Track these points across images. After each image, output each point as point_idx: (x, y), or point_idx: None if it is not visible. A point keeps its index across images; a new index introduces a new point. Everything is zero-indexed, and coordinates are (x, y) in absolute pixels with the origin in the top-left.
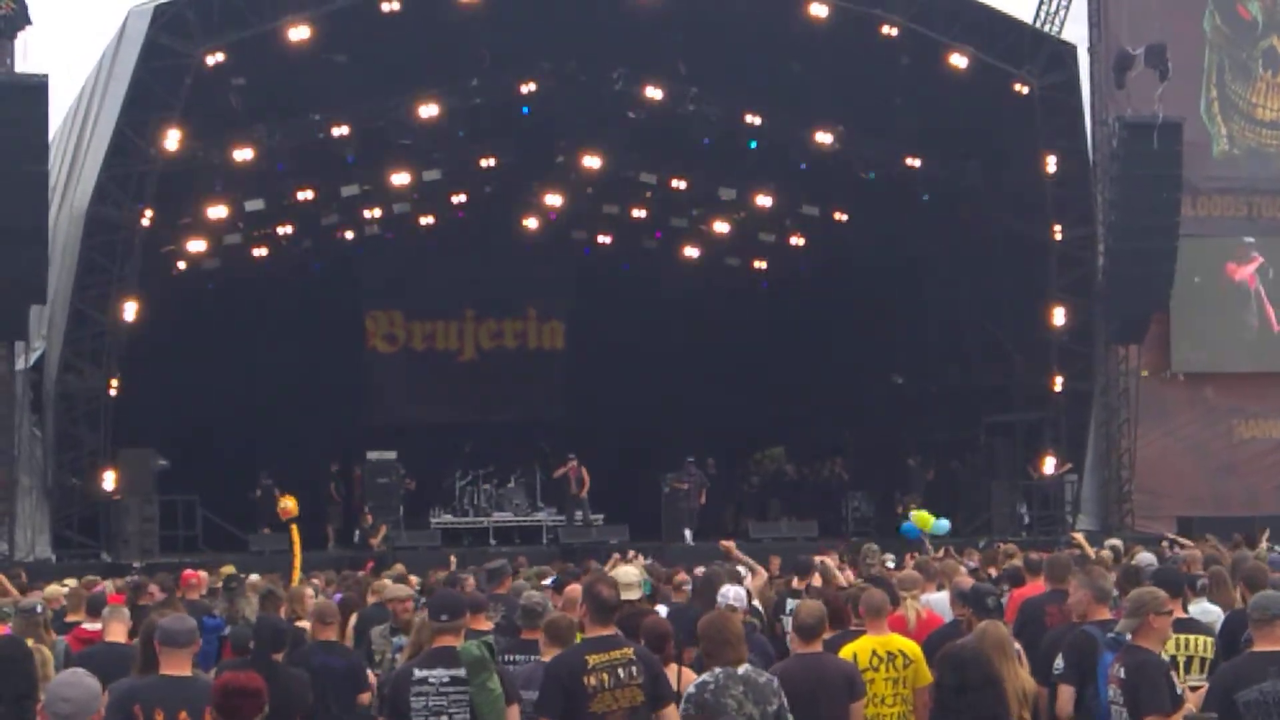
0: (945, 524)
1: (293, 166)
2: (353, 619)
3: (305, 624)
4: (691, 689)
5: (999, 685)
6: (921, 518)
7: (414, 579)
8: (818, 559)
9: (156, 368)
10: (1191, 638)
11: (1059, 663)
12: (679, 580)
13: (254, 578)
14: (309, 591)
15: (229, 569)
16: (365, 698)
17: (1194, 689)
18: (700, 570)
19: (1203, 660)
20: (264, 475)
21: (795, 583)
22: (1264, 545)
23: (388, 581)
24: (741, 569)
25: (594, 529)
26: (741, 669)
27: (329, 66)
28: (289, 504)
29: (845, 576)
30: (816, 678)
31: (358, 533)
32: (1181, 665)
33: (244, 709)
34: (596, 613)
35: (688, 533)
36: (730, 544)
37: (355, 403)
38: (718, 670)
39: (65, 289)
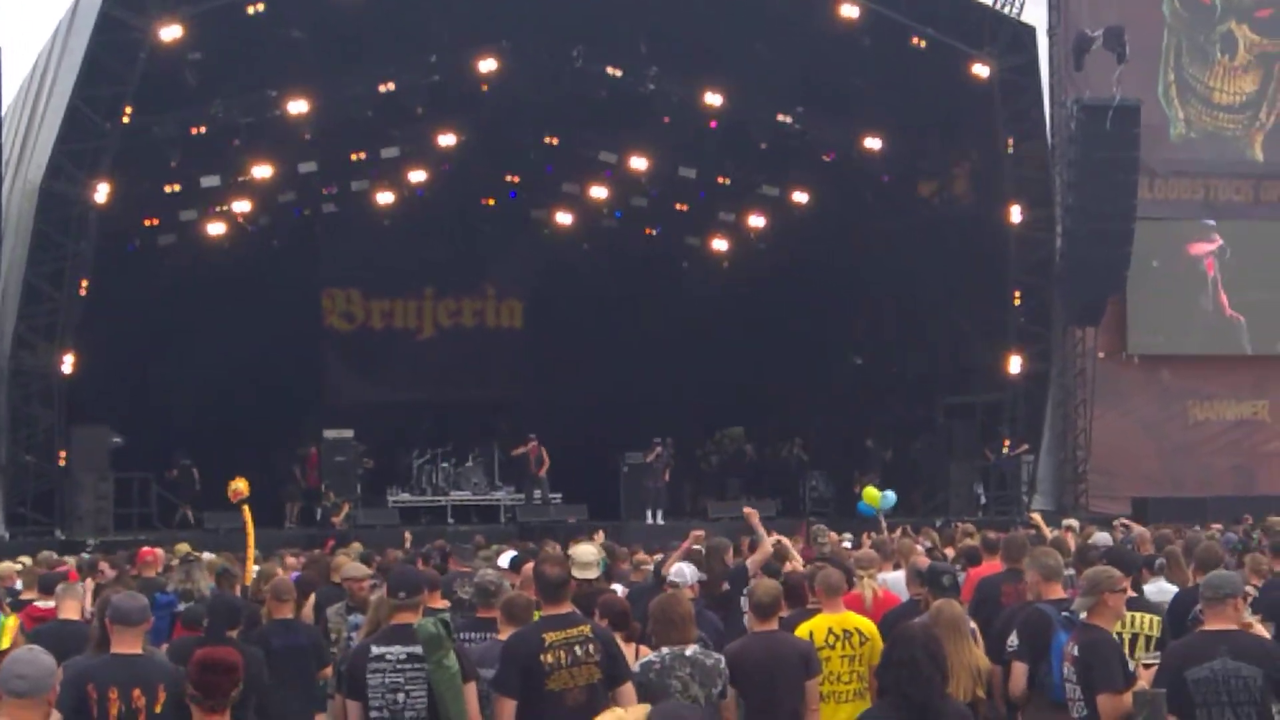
0: (892, 496)
1: (249, 143)
2: (312, 597)
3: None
4: (637, 668)
5: (931, 662)
6: (870, 494)
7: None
8: (771, 539)
9: (111, 344)
10: (1139, 616)
11: (1013, 641)
12: (638, 560)
13: (208, 555)
14: (279, 571)
15: (184, 546)
16: (326, 672)
17: (1148, 666)
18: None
19: (1149, 639)
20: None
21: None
22: (1216, 529)
23: (346, 559)
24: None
25: (552, 508)
26: (689, 650)
27: (286, 42)
28: (240, 485)
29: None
30: (772, 656)
31: (319, 511)
32: (1127, 643)
33: (221, 684)
34: (545, 591)
35: (653, 513)
36: (753, 512)
37: (312, 381)
38: (665, 651)
39: (19, 265)
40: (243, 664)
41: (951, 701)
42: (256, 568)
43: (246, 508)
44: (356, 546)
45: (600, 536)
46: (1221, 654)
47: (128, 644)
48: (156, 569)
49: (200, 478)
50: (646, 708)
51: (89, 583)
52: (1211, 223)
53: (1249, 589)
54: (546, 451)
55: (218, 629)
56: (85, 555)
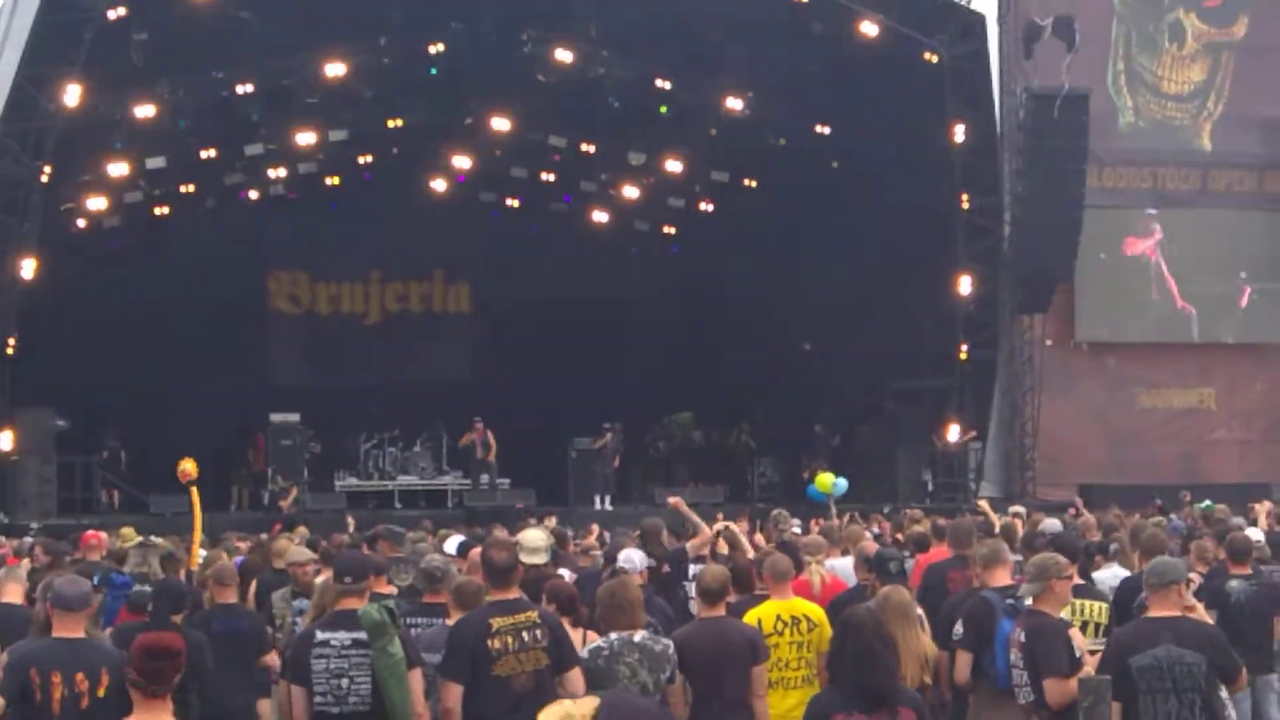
0: (844, 483)
1: (196, 124)
2: (254, 583)
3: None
4: (585, 654)
5: (884, 650)
6: (822, 480)
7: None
8: (720, 525)
9: (55, 327)
10: (1087, 603)
11: (958, 628)
12: (587, 544)
13: (156, 539)
14: (224, 555)
15: (129, 530)
16: (268, 659)
17: (1094, 653)
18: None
19: (1097, 625)
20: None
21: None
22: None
23: (290, 544)
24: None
25: (500, 493)
26: (638, 636)
27: (234, 23)
28: (188, 466)
29: (755, 540)
30: (719, 642)
31: (266, 495)
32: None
33: (165, 670)
34: (492, 576)
35: (601, 499)
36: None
37: (258, 364)
38: (613, 636)
39: None
40: (186, 649)
41: (904, 687)
42: (203, 551)
43: (195, 489)
44: (302, 531)
45: (551, 521)
46: (1165, 641)
47: (70, 628)
48: (100, 552)
49: (128, 460)
50: (595, 700)
51: (27, 563)
52: (1153, 212)
53: (1193, 576)
54: (493, 435)
55: (162, 613)
56: (28, 539)
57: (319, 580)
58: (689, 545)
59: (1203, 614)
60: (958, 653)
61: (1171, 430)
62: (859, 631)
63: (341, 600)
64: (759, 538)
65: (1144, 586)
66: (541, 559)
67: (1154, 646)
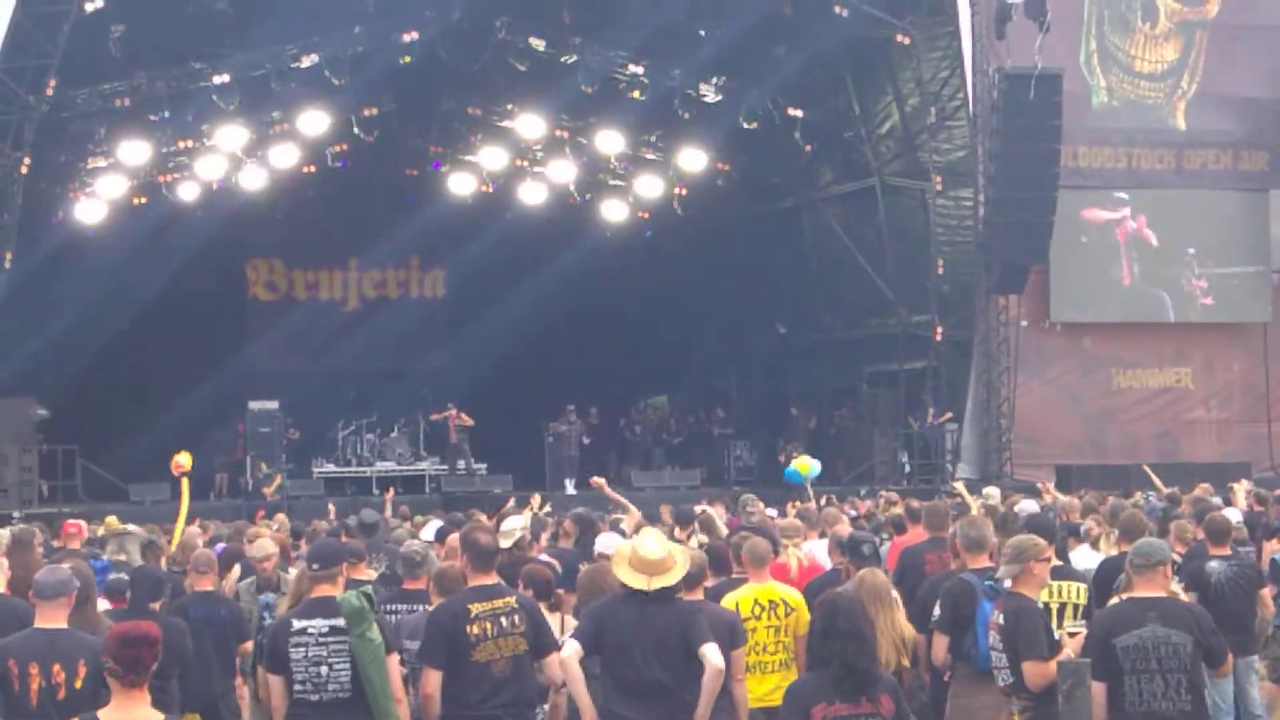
0: (817, 466)
1: (173, 114)
2: (236, 570)
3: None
4: (564, 637)
5: (870, 633)
6: (801, 463)
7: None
8: (699, 509)
9: (36, 316)
10: (1065, 584)
11: (936, 611)
12: (566, 528)
13: (133, 527)
14: (199, 542)
15: (112, 519)
16: (247, 646)
17: (1073, 635)
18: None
19: (1076, 607)
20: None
21: (677, 533)
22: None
23: (264, 533)
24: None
25: (477, 478)
26: None
27: (210, 14)
28: (183, 459)
29: (732, 524)
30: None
31: (250, 482)
32: (1055, 612)
33: (143, 658)
34: (475, 560)
35: (568, 482)
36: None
37: (237, 351)
38: None
39: None
40: (162, 636)
41: (883, 672)
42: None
43: (186, 482)
44: (281, 518)
45: (538, 502)
46: (1150, 621)
47: (50, 618)
48: (80, 540)
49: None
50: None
51: None
52: (1123, 196)
53: (1173, 556)
54: (467, 415)
55: (140, 601)
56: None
57: (293, 570)
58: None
59: (1183, 595)
60: (935, 635)
61: (1148, 410)
62: (848, 615)
63: (316, 588)
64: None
65: (1128, 567)
66: (508, 542)
67: (1139, 627)
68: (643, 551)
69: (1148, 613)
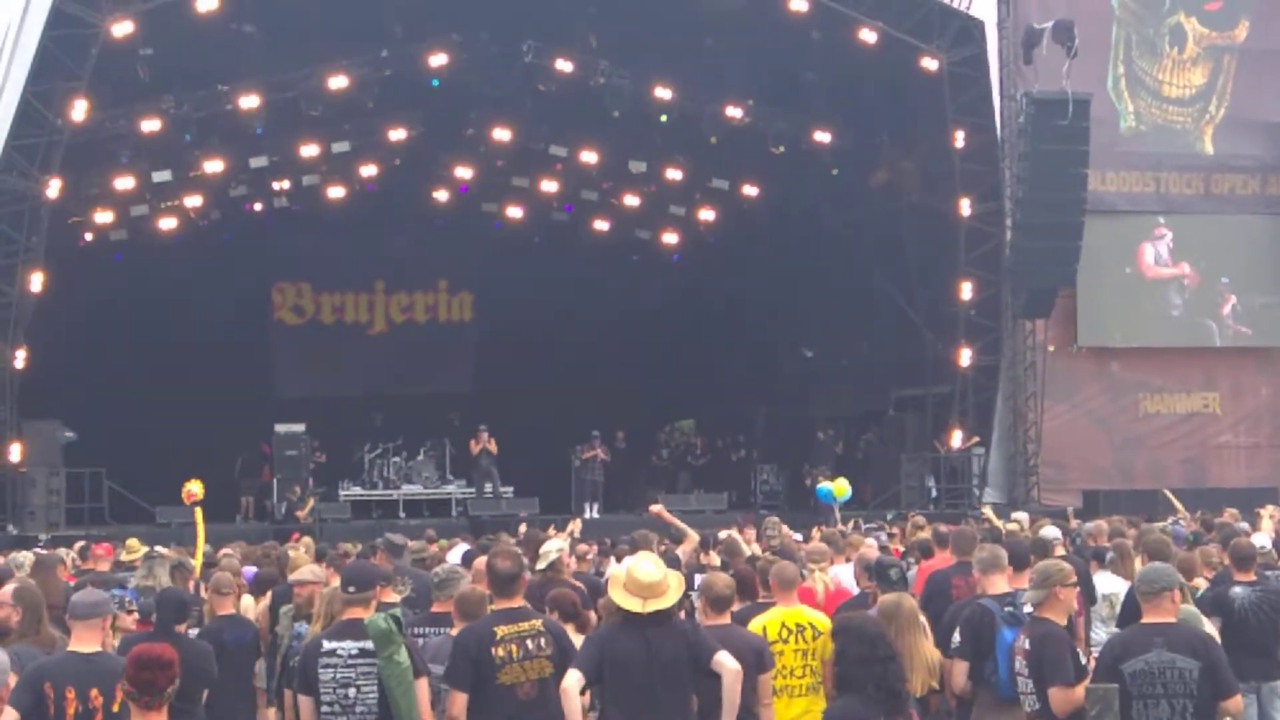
0: (850, 490)
1: (201, 137)
2: (268, 596)
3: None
4: None
5: (894, 657)
6: (839, 484)
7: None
8: (723, 533)
9: (63, 339)
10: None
11: (956, 637)
12: (581, 550)
13: (162, 549)
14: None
15: (135, 542)
16: (256, 666)
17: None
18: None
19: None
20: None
21: (702, 556)
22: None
23: (303, 559)
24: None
25: (504, 501)
26: None
27: (237, 37)
28: (194, 488)
29: (755, 549)
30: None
31: (284, 505)
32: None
33: (157, 681)
34: (496, 585)
35: (591, 506)
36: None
37: (263, 375)
38: None
39: None
40: (185, 659)
41: (909, 694)
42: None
43: (199, 510)
44: (307, 541)
45: (576, 527)
46: (1157, 646)
47: (85, 641)
48: (108, 564)
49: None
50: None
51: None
52: (1159, 219)
53: (1200, 581)
54: (495, 442)
55: (166, 623)
56: (38, 550)
57: (325, 590)
58: (680, 551)
59: (1210, 628)
60: (955, 661)
61: (1176, 435)
62: (880, 639)
63: (347, 610)
64: (757, 546)
65: (1136, 594)
66: (543, 564)
67: (1145, 652)
68: (638, 574)
69: (1154, 638)
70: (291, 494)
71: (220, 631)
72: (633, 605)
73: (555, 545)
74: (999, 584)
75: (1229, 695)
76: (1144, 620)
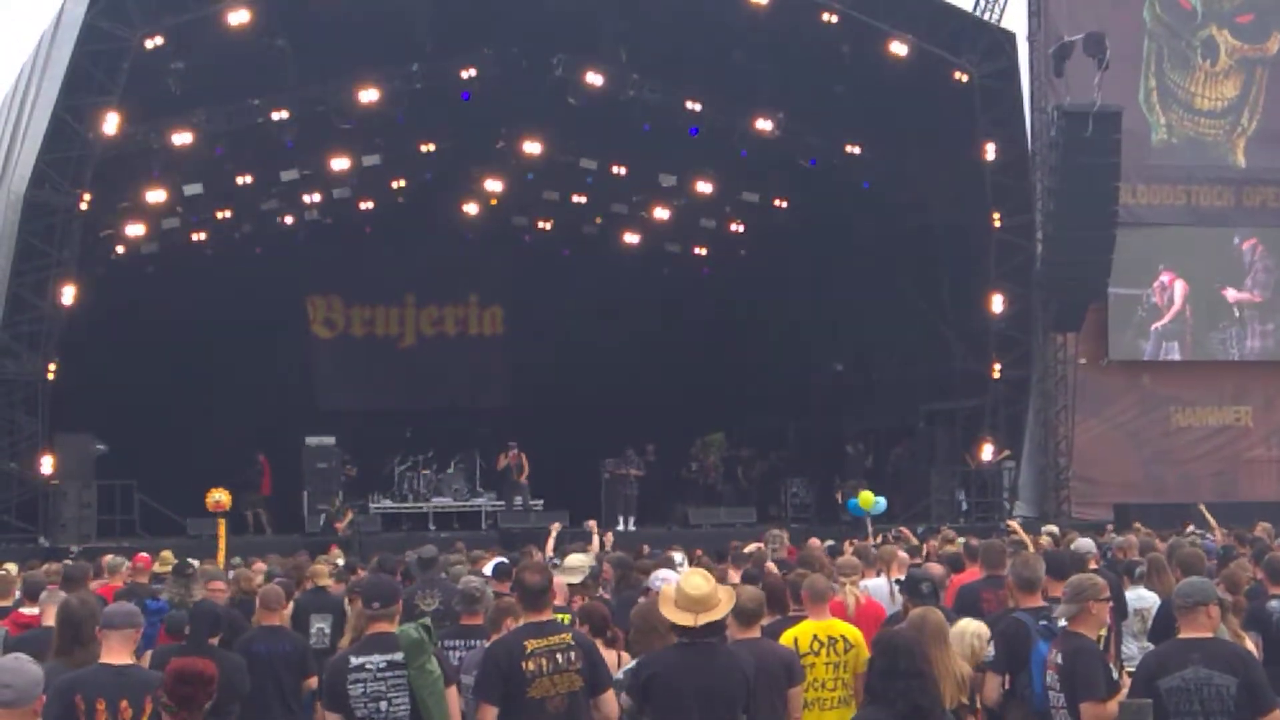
0: (883, 503)
1: (232, 151)
2: (289, 607)
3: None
4: (620, 675)
5: (930, 671)
6: (865, 497)
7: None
8: (748, 548)
9: (95, 352)
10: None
11: (989, 650)
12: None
13: (195, 563)
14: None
15: (168, 554)
16: (311, 682)
17: None
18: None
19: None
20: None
21: (730, 573)
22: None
23: (323, 568)
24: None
25: (533, 514)
26: None
27: (269, 51)
28: (221, 497)
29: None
30: (755, 663)
31: (321, 517)
32: None
33: (196, 697)
34: (525, 599)
35: (624, 520)
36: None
37: (295, 388)
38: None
39: (3, 274)
40: (218, 673)
41: (943, 709)
42: (231, 573)
43: (222, 521)
44: (336, 552)
45: (609, 540)
46: (1194, 662)
47: (117, 653)
48: (146, 575)
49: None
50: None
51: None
52: (1189, 230)
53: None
54: (526, 458)
55: (199, 636)
56: (68, 562)
57: (350, 607)
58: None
59: (1249, 643)
60: (988, 674)
61: (1207, 449)
62: (909, 653)
63: (372, 625)
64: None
65: (1173, 609)
66: (576, 578)
67: (1182, 669)
68: (688, 589)
69: (1191, 654)
70: (330, 506)
71: (252, 642)
72: (685, 620)
73: (581, 560)
74: (1034, 599)
75: (1268, 712)
76: (1181, 635)
